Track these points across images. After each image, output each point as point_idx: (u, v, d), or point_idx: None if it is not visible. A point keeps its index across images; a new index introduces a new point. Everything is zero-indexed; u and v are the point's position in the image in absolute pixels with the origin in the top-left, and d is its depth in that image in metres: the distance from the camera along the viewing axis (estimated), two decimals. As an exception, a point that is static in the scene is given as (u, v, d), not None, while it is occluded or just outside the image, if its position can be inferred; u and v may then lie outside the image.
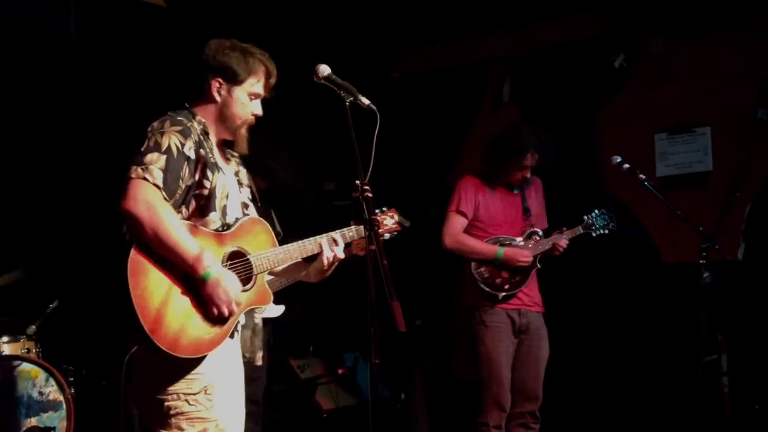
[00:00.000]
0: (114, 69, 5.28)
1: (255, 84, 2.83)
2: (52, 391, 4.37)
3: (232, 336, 2.73)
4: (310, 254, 2.94)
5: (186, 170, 2.63)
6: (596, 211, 4.52)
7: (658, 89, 5.53)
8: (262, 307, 4.25)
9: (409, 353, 5.91)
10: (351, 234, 3.01)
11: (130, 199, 2.51)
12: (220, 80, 2.79)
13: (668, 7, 5.46)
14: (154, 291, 2.52)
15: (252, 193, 4.44)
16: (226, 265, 2.67)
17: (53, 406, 4.38)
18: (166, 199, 2.56)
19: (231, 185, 2.84)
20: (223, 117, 2.81)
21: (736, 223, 5.14)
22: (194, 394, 2.60)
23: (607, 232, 4.51)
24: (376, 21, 6.16)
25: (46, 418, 4.34)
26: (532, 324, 4.49)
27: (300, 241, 2.91)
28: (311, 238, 2.93)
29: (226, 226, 2.75)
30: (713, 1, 5.35)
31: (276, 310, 4.36)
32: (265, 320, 4.32)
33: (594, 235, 4.51)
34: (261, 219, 2.89)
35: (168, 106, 2.79)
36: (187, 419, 2.60)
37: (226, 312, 2.61)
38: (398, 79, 6.52)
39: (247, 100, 2.83)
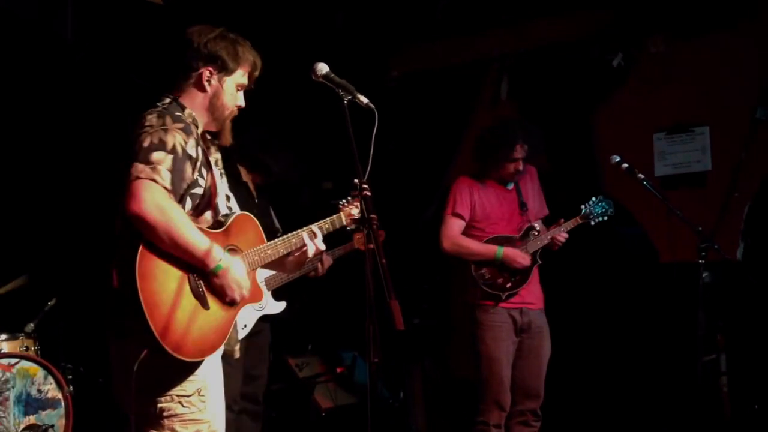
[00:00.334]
0: (112, 68, 5.28)
1: (242, 75, 2.79)
2: (51, 389, 4.37)
3: None
4: (294, 248, 2.94)
5: (188, 170, 2.58)
6: (593, 199, 4.51)
7: (657, 88, 5.53)
8: (256, 305, 4.27)
9: (408, 352, 5.91)
10: (327, 226, 3.07)
11: (141, 201, 2.43)
12: (211, 69, 2.72)
13: (667, 7, 5.46)
14: (163, 295, 2.49)
15: (249, 189, 4.46)
16: None
17: (52, 403, 4.38)
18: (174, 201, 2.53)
19: (218, 181, 2.81)
20: (213, 107, 2.75)
21: (735, 222, 5.14)
22: (188, 396, 2.58)
23: (606, 219, 4.50)
24: (374, 19, 6.16)
25: (45, 416, 4.34)
26: (534, 323, 4.49)
27: (285, 236, 2.93)
28: (294, 233, 2.95)
29: (218, 224, 2.73)
30: (712, 0, 5.35)
31: (277, 307, 4.36)
32: (265, 317, 4.32)
33: (593, 223, 4.49)
34: (249, 214, 2.86)
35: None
36: (180, 421, 2.58)
37: (237, 297, 2.63)
38: (396, 77, 6.52)
39: (235, 90, 2.78)
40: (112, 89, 5.34)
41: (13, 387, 4.28)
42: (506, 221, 4.54)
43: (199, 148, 2.65)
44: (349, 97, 2.65)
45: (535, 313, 4.51)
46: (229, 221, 2.75)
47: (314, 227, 3.00)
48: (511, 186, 4.61)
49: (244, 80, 2.80)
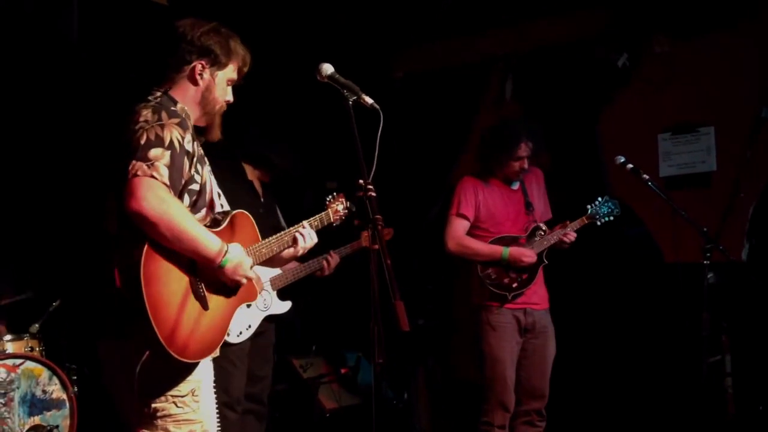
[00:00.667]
0: (116, 68, 5.28)
1: (233, 70, 2.77)
2: (56, 390, 4.38)
3: None
4: (287, 247, 2.98)
5: (186, 165, 2.56)
6: (599, 199, 4.51)
7: (662, 89, 5.52)
8: (261, 305, 4.27)
9: (412, 353, 5.91)
10: (316, 223, 3.15)
11: (141, 199, 2.40)
12: (204, 63, 2.70)
13: (672, 6, 5.45)
14: (167, 297, 2.49)
15: (254, 188, 4.46)
16: None
17: (56, 404, 4.38)
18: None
19: (212, 176, 2.80)
20: (205, 101, 2.73)
21: (740, 223, 5.13)
22: (182, 397, 2.57)
23: (612, 218, 4.49)
24: (378, 20, 6.15)
25: (50, 417, 4.35)
26: (539, 323, 4.48)
27: (278, 234, 2.96)
28: (287, 230, 3.00)
29: (215, 222, 2.72)
30: (716, 0, 5.34)
31: (282, 307, 4.36)
32: (270, 318, 4.32)
33: (599, 223, 4.49)
34: (245, 212, 2.86)
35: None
36: (174, 421, 2.57)
37: (243, 281, 2.68)
38: (401, 78, 6.52)
39: (225, 85, 2.77)
40: (116, 89, 5.34)
41: (17, 387, 4.28)
42: (511, 221, 4.53)
43: (195, 143, 2.63)
44: (354, 97, 2.65)
45: (540, 314, 4.51)
46: (227, 219, 2.75)
47: (304, 222, 3.07)
48: (516, 186, 4.60)
49: (234, 75, 2.79)
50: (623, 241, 5.49)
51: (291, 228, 3.03)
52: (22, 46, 5.04)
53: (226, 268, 2.58)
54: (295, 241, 2.99)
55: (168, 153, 2.48)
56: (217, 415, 2.78)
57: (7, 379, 4.26)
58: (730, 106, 5.28)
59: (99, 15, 5.12)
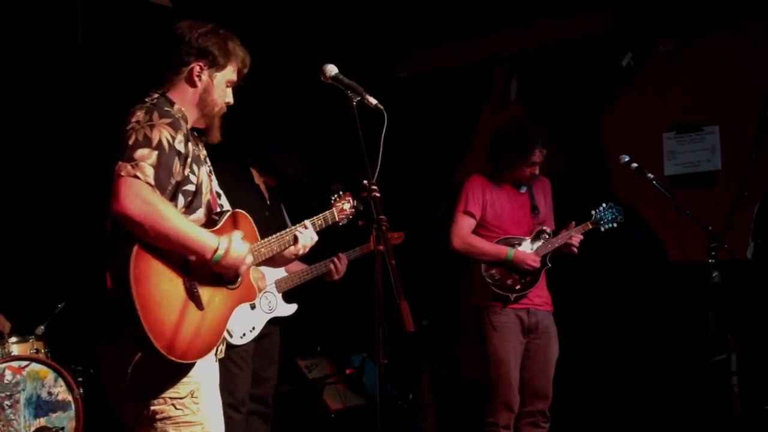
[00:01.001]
0: (121, 71, 5.29)
1: (233, 72, 2.76)
2: (61, 392, 4.39)
3: None
4: (287, 246, 2.95)
5: (177, 165, 2.54)
6: (604, 205, 4.50)
7: (666, 88, 5.51)
8: (265, 307, 4.27)
9: (417, 353, 5.91)
10: (320, 222, 3.10)
11: (123, 199, 2.39)
12: (202, 64, 2.69)
13: (676, 6, 5.45)
14: (158, 297, 2.47)
15: (260, 191, 4.46)
16: None
17: (62, 406, 4.39)
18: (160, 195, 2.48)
19: (210, 177, 2.79)
20: (203, 103, 2.71)
21: (745, 221, 5.12)
22: (181, 398, 2.55)
23: (615, 225, 4.49)
24: (382, 21, 6.16)
25: (55, 419, 4.36)
26: (541, 323, 4.48)
27: (278, 234, 2.93)
28: (287, 230, 2.97)
29: (211, 222, 2.70)
30: (721, 0, 5.33)
31: (287, 309, 4.35)
32: (275, 320, 4.32)
33: (602, 229, 4.48)
34: (242, 212, 2.83)
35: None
36: (173, 423, 2.55)
37: (243, 269, 2.65)
38: (405, 78, 6.52)
39: (224, 86, 2.75)
40: (121, 92, 5.35)
41: (23, 389, 4.29)
42: (517, 223, 4.52)
43: (190, 144, 2.62)
44: (358, 98, 2.64)
45: (543, 314, 4.50)
46: (223, 219, 2.72)
47: (306, 222, 3.03)
48: (524, 189, 4.60)
49: (234, 76, 2.78)
50: (628, 241, 5.48)
51: (292, 227, 3.01)
52: (26, 49, 5.05)
53: (221, 262, 2.55)
54: (295, 239, 2.96)
55: (155, 153, 2.47)
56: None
57: (13, 381, 4.27)
58: (735, 105, 5.27)
59: (103, 18, 5.13)
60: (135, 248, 2.44)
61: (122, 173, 2.43)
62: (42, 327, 4.55)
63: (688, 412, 4.97)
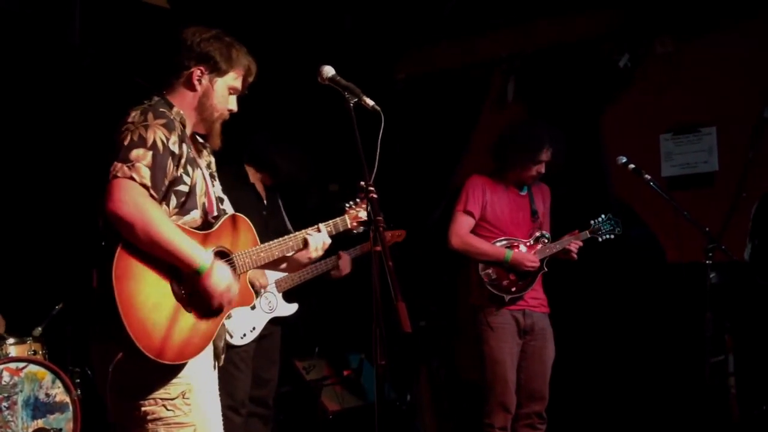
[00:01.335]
0: (119, 72, 5.29)
1: (235, 79, 2.76)
2: (59, 393, 4.39)
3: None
4: (290, 252, 2.89)
5: (170, 166, 2.54)
6: (603, 216, 4.51)
7: (664, 89, 5.52)
8: (266, 307, 4.27)
9: (415, 354, 5.91)
10: (329, 229, 3.01)
11: (117, 200, 2.40)
12: (203, 69, 2.69)
13: (674, 7, 5.45)
14: (141, 296, 2.45)
15: (257, 191, 4.45)
16: None
17: (60, 407, 4.39)
18: (153, 197, 2.48)
19: (208, 181, 2.77)
20: (202, 107, 2.72)
21: (743, 222, 5.12)
22: (172, 399, 2.54)
23: (612, 237, 4.50)
24: (380, 22, 6.16)
25: (53, 420, 4.36)
26: (537, 325, 4.48)
27: (281, 239, 2.88)
28: (291, 235, 2.92)
29: (207, 225, 2.69)
30: (718, 1, 5.34)
31: (288, 309, 4.35)
32: (275, 320, 4.31)
33: (600, 240, 4.50)
34: (241, 216, 2.82)
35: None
36: (164, 425, 2.54)
37: (224, 301, 2.58)
38: (403, 79, 6.52)
39: (226, 93, 2.75)
40: (119, 94, 5.35)
41: (21, 391, 4.29)
42: (517, 226, 4.51)
43: (184, 145, 2.62)
44: (355, 99, 2.65)
45: (539, 316, 4.51)
46: (219, 222, 2.70)
47: (320, 225, 2.97)
48: (524, 192, 4.59)
49: (237, 84, 2.77)
50: (625, 242, 5.49)
51: (300, 231, 2.95)
52: (24, 49, 5.05)
53: (203, 276, 2.52)
54: (306, 242, 2.91)
55: (150, 153, 2.48)
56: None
57: (11, 383, 4.26)
58: (732, 106, 5.28)
59: (100, 19, 5.13)
60: (119, 246, 2.44)
61: (118, 174, 2.43)
62: (39, 328, 4.55)
63: (686, 413, 4.98)
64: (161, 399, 2.53)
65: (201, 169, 2.73)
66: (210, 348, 2.70)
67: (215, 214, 2.76)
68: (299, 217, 4.73)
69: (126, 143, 2.49)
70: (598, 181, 5.65)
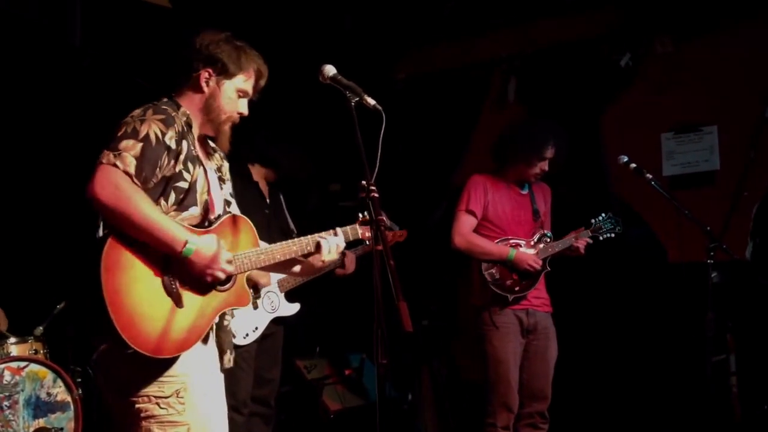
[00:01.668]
0: (120, 72, 5.29)
1: (244, 81, 2.77)
2: (60, 392, 4.39)
3: (205, 340, 2.67)
4: (293, 256, 2.86)
5: (165, 160, 2.55)
6: (603, 215, 4.50)
7: (665, 88, 5.52)
8: (268, 307, 4.27)
9: (416, 353, 5.90)
10: (346, 234, 2.95)
11: (97, 185, 2.43)
12: (210, 71, 2.72)
13: (674, 7, 5.45)
14: (130, 288, 2.45)
15: (260, 190, 4.46)
16: None
17: (61, 406, 4.40)
18: (136, 185, 2.48)
19: (213, 181, 2.77)
20: (209, 109, 2.74)
21: (744, 221, 5.12)
22: (166, 398, 2.53)
23: (613, 236, 4.50)
24: (381, 22, 6.16)
25: (54, 419, 4.36)
26: (540, 324, 4.47)
27: (284, 242, 2.85)
28: (296, 239, 2.87)
29: (208, 223, 2.68)
30: (719, 0, 5.34)
31: (290, 309, 4.35)
32: (278, 320, 4.31)
33: (601, 238, 4.49)
34: (243, 217, 2.81)
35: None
36: (158, 423, 2.54)
37: (220, 275, 2.58)
38: (403, 79, 6.52)
39: (234, 95, 2.76)
40: (120, 94, 5.35)
41: (22, 390, 4.29)
42: (518, 225, 4.51)
43: (184, 142, 2.63)
44: (357, 98, 2.64)
45: (542, 315, 4.50)
46: (220, 220, 2.71)
47: (338, 229, 2.92)
48: (525, 191, 4.59)
49: (246, 87, 2.79)
50: (627, 241, 5.49)
51: (310, 235, 2.89)
52: (25, 51, 5.05)
53: (191, 258, 2.51)
54: (318, 247, 2.86)
55: (140, 145, 2.51)
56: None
57: (12, 382, 4.27)
58: (733, 106, 5.28)
59: (102, 19, 5.13)
60: (110, 238, 2.46)
61: (103, 160, 2.48)
62: (41, 327, 4.56)
63: (688, 412, 4.97)
64: (155, 397, 2.54)
65: (205, 168, 2.73)
66: (210, 348, 2.71)
67: (218, 213, 2.75)
68: (300, 217, 4.74)
69: (119, 134, 2.53)
70: (598, 181, 5.65)
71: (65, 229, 5.20)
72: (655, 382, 5.31)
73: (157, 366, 2.53)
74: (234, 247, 2.71)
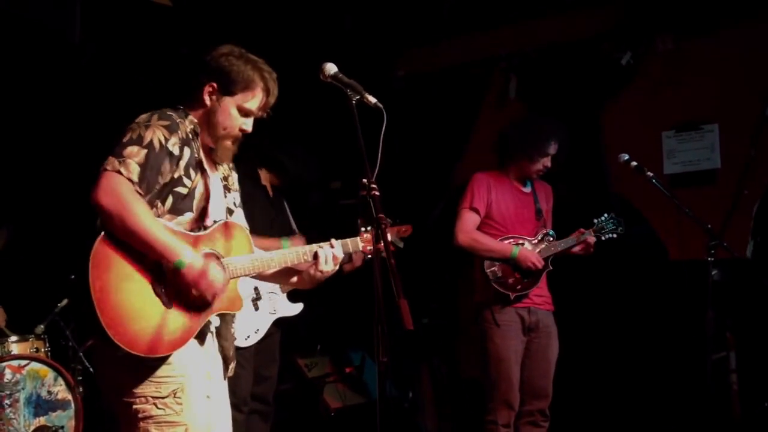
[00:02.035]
0: (120, 70, 5.29)
1: (248, 100, 2.74)
2: (61, 391, 4.40)
3: (202, 342, 2.66)
4: (290, 265, 2.85)
5: (167, 166, 2.58)
6: (605, 215, 4.50)
7: (666, 87, 5.52)
8: (270, 308, 4.27)
9: (417, 351, 5.91)
10: (344, 246, 2.93)
11: (100, 191, 2.47)
12: (214, 85, 2.71)
13: (675, 5, 5.45)
14: (118, 286, 2.46)
15: (266, 193, 4.46)
16: None
17: (62, 405, 4.40)
18: (140, 193, 2.51)
19: (215, 189, 2.77)
20: (208, 122, 2.73)
21: (745, 220, 5.12)
22: (163, 398, 2.54)
23: (615, 236, 4.50)
24: (381, 20, 6.16)
25: (55, 417, 4.37)
26: (542, 322, 4.47)
27: (281, 251, 2.86)
28: (293, 249, 2.88)
29: (202, 228, 2.68)
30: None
31: (293, 309, 4.34)
32: (279, 320, 4.31)
33: (603, 239, 4.49)
34: (240, 224, 2.81)
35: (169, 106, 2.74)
36: (155, 423, 2.54)
37: (208, 295, 2.58)
38: (404, 77, 6.52)
39: (235, 113, 2.73)
40: (120, 91, 5.35)
41: (23, 388, 4.30)
42: (521, 224, 4.51)
43: (186, 149, 2.64)
44: (358, 96, 2.63)
45: (543, 313, 4.50)
46: (214, 226, 2.70)
47: (333, 241, 2.90)
48: (528, 189, 4.59)
49: (250, 106, 2.75)
50: (627, 239, 5.49)
51: (309, 246, 2.88)
52: (25, 49, 5.05)
53: (183, 272, 2.52)
54: (316, 256, 2.85)
55: (144, 152, 2.53)
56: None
57: (13, 380, 4.27)
58: (734, 104, 5.28)
59: (102, 17, 5.13)
60: (100, 236, 2.48)
61: (108, 167, 2.51)
62: (42, 326, 4.56)
63: (688, 410, 4.98)
64: (152, 397, 2.54)
65: (209, 175, 2.74)
66: (210, 354, 2.71)
67: (213, 221, 2.74)
68: (301, 215, 4.74)
69: (124, 140, 2.56)
70: (598, 179, 5.65)
71: (66, 227, 5.21)
72: (655, 379, 5.32)
73: (151, 365, 2.53)
74: (228, 252, 2.72)
